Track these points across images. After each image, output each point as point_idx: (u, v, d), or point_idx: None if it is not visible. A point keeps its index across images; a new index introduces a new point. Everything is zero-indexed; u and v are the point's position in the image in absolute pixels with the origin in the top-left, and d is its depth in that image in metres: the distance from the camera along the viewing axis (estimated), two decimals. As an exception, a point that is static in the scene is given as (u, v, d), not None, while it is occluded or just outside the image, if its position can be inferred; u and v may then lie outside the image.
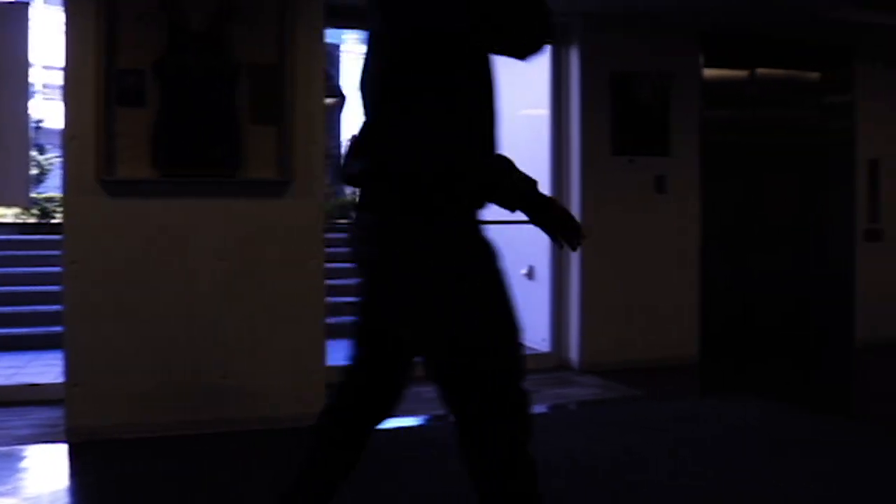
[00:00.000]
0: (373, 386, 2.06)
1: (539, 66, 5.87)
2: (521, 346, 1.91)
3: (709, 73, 6.12)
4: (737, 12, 5.65)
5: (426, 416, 4.40)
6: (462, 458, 1.84)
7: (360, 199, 1.95)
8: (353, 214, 2.01)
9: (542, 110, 5.90)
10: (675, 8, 5.54)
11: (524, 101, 6.43)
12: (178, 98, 3.98)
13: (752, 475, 3.30)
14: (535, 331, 5.94)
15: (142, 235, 3.99)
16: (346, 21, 5.32)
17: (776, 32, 6.18)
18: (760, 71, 6.49)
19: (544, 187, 5.79)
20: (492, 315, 1.84)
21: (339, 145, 17.24)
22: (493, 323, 1.84)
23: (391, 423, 4.14)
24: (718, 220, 6.17)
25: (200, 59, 4.02)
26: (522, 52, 1.85)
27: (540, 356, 5.77)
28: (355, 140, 1.96)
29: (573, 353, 5.66)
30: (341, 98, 18.06)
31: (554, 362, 5.71)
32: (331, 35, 15.51)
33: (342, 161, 1.99)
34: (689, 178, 5.91)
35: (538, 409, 4.55)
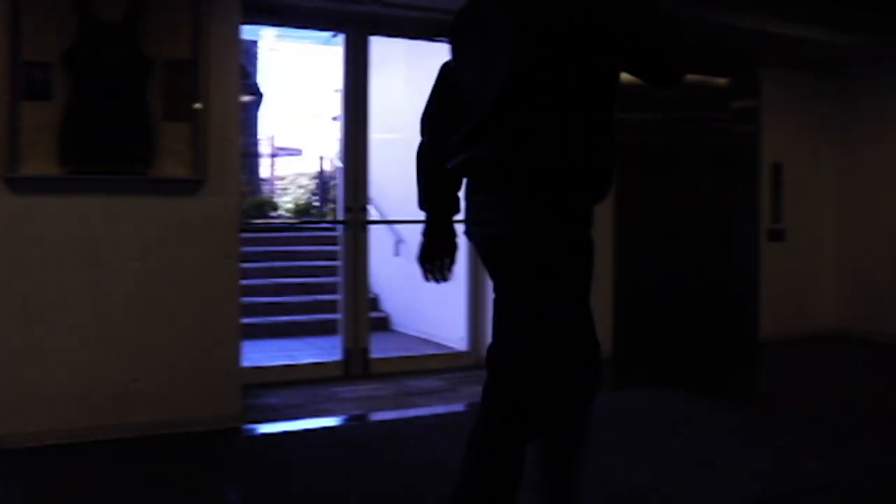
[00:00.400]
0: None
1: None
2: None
3: (623, 75, 6.25)
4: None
5: (343, 417, 4.40)
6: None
7: (481, 184, 2.10)
8: (474, 198, 2.15)
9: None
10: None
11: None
12: (87, 92, 3.85)
13: (645, 464, 3.40)
14: (453, 329, 6.00)
15: (48, 235, 3.85)
16: (264, 17, 5.27)
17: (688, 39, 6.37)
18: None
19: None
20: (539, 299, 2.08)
21: (256, 143, 16.97)
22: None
23: (303, 425, 4.16)
24: (631, 220, 6.33)
25: (112, 51, 3.90)
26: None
27: (457, 355, 5.83)
28: (471, 129, 2.07)
29: (490, 352, 5.71)
30: (259, 95, 17.80)
31: (471, 361, 5.75)
32: (248, 31, 15.28)
33: (457, 148, 2.13)
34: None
35: (455, 407, 4.60)
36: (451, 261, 2.44)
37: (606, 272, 6.04)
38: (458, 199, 2.34)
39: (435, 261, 2.44)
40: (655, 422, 4.19)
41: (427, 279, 2.45)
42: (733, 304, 6.99)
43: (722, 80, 6.90)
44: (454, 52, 2.32)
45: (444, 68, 2.39)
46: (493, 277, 2.18)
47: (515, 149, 1.97)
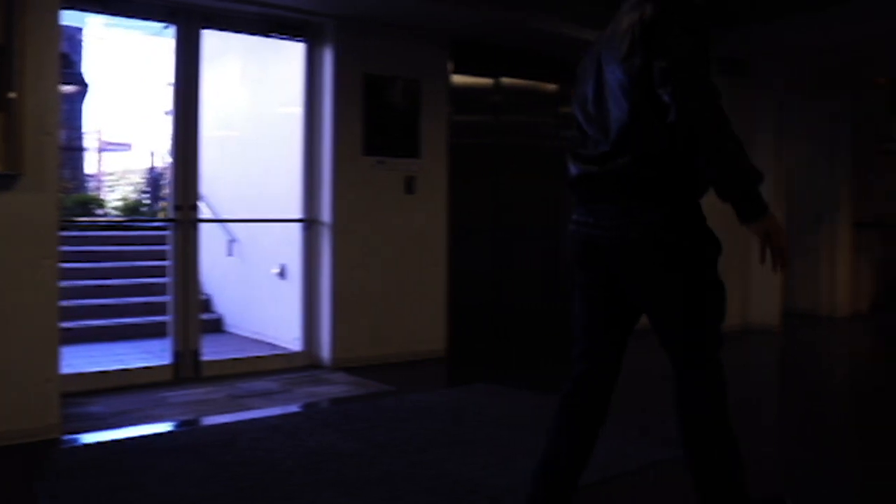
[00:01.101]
0: (600, 350, 2.59)
1: (293, 65, 5.87)
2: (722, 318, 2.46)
3: (458, 79, 6.41)
4: (480, 27, 5.98)
5: (173, 422, 4.26)
6: (677, 388, 2.46)
7: (600, 190, 2.38)
8: (589, 204, 2.43)
9: (295, 108, 5.88)
10: (423, 17, 5.76)
11: (278, 99, 6.38)
12: None
13: (476, 458, 3.52)
14: (287, 330, 5.93)
15: None
16: (86, 4, 5.00)
17: (520, 46, 6.61)
18: (505, 80, 6.90)
19: (296, 184, 5.82)
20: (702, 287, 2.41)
21: (81, 137, 16.04)
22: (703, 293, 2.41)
23: (130, 433, 3.99)
24: (465, 219, 6.49)
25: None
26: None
27: (291, 355, 5.77)
28: (606, 148, 2.35)
29: (325, 352, 5.71)
30: (84, 86, 16.83)
31: (306, 361, 5.72)
32: (72, 17, 14.40)
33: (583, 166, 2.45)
34: (438, 178, 6.16)
35: (290, 408, 4.56)
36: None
37: (440, 269, 6.18)
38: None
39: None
40: (488, 416, 4.32)
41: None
42: (563, 299, 7.29)
43: (552, 87, 7.20)
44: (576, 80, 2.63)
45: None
46: (630, 281, 2.41)
47: (649, 167, 2.27)
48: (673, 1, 2.22)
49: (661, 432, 3.98)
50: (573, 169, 2.51)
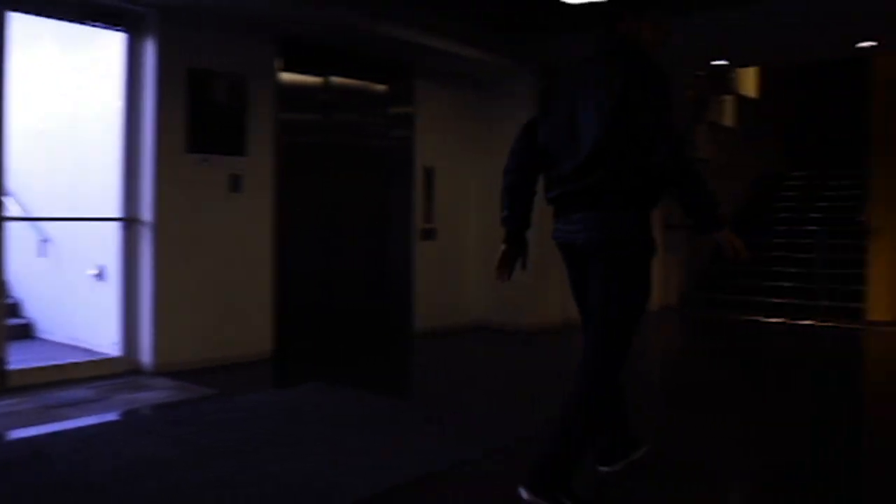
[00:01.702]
0: None
1: (113, 56, 5.60)
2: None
3: (286, 77, 6.34)
4: (307, 24, 5.94)
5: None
6: (582, 363, 2.98)
7: (574, 203, 3.03)
8: (566, 215, 3.10)
9: (115, 101, 5.61)
10: (249, 12, 5.66)
11: (97, 91, 6.06)
12: None
13: (305, 458, 3.52)
14: (105, 334, 5.66)
15: None
16: None
17: (349, 45, 6.62)
18: (335, 79, 6.89)
19: (115, 181, 5.56)
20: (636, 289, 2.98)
21: None
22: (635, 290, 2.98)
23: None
24: (293, 219, 6.43)
25: None
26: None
27: (109, 361, 5.51)
28: (573, 165, 2.99)
29: (146, 356, 5.49)
30: None
31: (125, 366, 5.48)
32: None
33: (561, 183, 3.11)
34: (264, 177, 6.07)
35: (107, 417, 4.37)
36: (523, 263, 3.46)
37: (266, 270, 6.09)
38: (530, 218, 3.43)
39: (512, 263, 3.43)
40: (314, 416, 4.32)
41: (501, 279, 3.38)
42: (390, 299, 7.38)
43: (382, 87, 7.26)
44: (542, 109, 3.24)
45: (528, 124, 3.34)
46: (590, 281, 3.03)
47: (616, 181, 2.89)
48: (645, 62, 2.88)
49: (478, 432, 4.13)
50: (551, 192, 3.19)
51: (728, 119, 11.68)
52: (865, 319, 8.81)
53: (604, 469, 3.38)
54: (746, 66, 10.27)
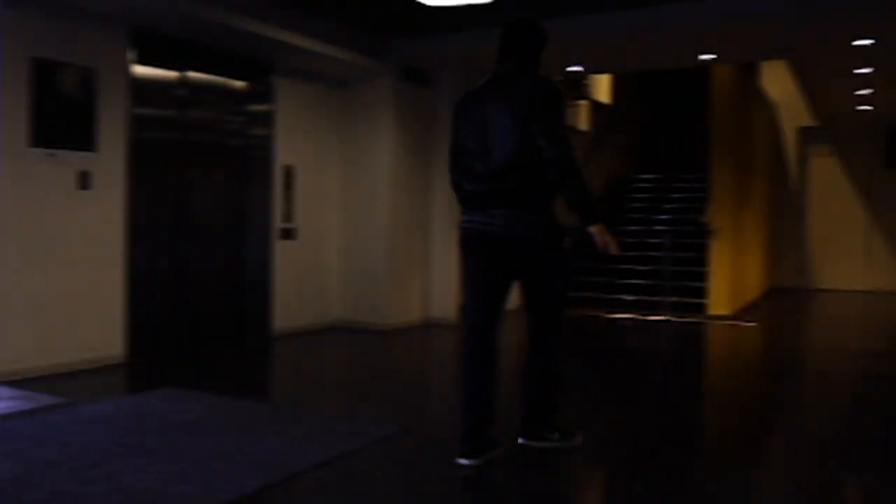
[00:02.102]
0: (492, 308, 3.69)
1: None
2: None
3: (140, 70, 6.11)
4: (161, 16, 5.74)
5: None
6: (533, 337, 3.80)
7: (494, 200, 3.55)
8: (486, 210, 3.58)
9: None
10: (98, 1, 5.42)
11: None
12: None
13: (156, 468, 3.42)
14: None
15: None
16: None
17: (207, 40, 6.44)
18: (192, 74, 6.69)
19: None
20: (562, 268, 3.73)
21: None
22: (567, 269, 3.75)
23: None
24: (147, 218, 6.22)
25: None
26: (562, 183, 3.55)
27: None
28: (490, 168, 3.55)
29: (-15, 362, 5.17)
30: None
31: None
32: None
33: (478, 182, 3.62)
34: (116, 174, 5.83)
35: (-61, 428, 4.08)
36: None
37: (118, 270, 5.86)
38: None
39: None
40: (169, 423, 4.20)
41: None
42: (248, 299, 7.25)
43: (241, 84, 7.11)
44: (459, 108, 3.78)
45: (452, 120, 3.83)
46: (518, 271, 3.68)
47: (532, 182, 3.52)
48: (547, 87, 3.55)
49: (336, 433, 4.13)
50: (468, 186, 3.66)
51: (583, 123, 12.13)
52: (707, 314, 9.39)
53: (522, 441, 3.89)
54: (600, 72, 10.69)
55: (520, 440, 3.88)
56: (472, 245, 3.66)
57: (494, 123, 3.55)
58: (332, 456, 3.68)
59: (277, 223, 7.29)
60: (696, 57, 7.97)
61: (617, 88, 13.39)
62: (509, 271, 3.67)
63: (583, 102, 12.11)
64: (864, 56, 8.07)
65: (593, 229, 3.51)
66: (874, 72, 8.96)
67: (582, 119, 12.16)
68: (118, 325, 5.86)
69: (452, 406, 5.10)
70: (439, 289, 8.41)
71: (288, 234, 7.40)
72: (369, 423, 4.28)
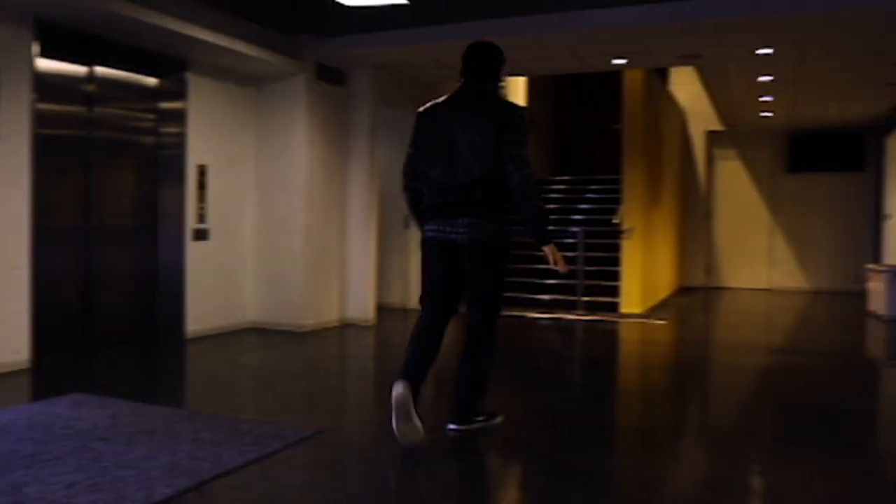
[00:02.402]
0: (449, 301, 4.10)
1: None
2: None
3: (44, 64, 5.91)
4: (65, 9, 5.57)
5: None
6: (472, 328, 4.06)
7: (455, 210, 3.95)
8: (446, 219, 3.98)
9: None
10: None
11: None
12: None
13: (61, 477, 3.33)
14: None
15: None
16: None
17: (116, 35, 6.26)
18: (100, 70, 6.49)
19: None
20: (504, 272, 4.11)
21: None
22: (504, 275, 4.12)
23: None
24: (54, 218, 6.02)
25: None
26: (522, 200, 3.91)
27: None
28: (453, 181, 3.93)
29: None
30: None
31: None
32: None
33: (451, 193, 3.97)
34: (19, 173, 5.62)
35: None
36: None
37: (21, 273, 5.65)
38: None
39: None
40: (77, 430, 4.07)
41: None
42: (160, 302, 7.09)
43: (153, 81, 6.95)
44: (421, 122, 4.11)
45: (413, 131, 4.15)
46: (466, 271, 4.03)
47: (491, 195, 3.91)
48: (511, 111, 3.94)
49: (248, 438, 4.09)
50: (430, 197, 4.04)
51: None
52: (620, 313, 9.62)
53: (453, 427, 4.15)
54: (515, 75, 10.82)
55: (450, 426, 4.13)
56: (435, 251, 4.08)
57: (463, 141, 3.91)
58: (248, 460, 3.64)
59: (190, 223, 7.15)
60: (610, 61, 8.16)
61: (532, 91, 13.58)
62: (462, 271, 4.05)
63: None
64: (765, 64, 8.41)
65: (546, 249, 3.95)
66: (774, 80, 9.34)
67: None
68: (23, 330, 5.65)
69: (369, 407, 5.10)
70: (356, 289, 8.38)
71: (201, 234, 7.26)
72: (285, 426, 4.24)
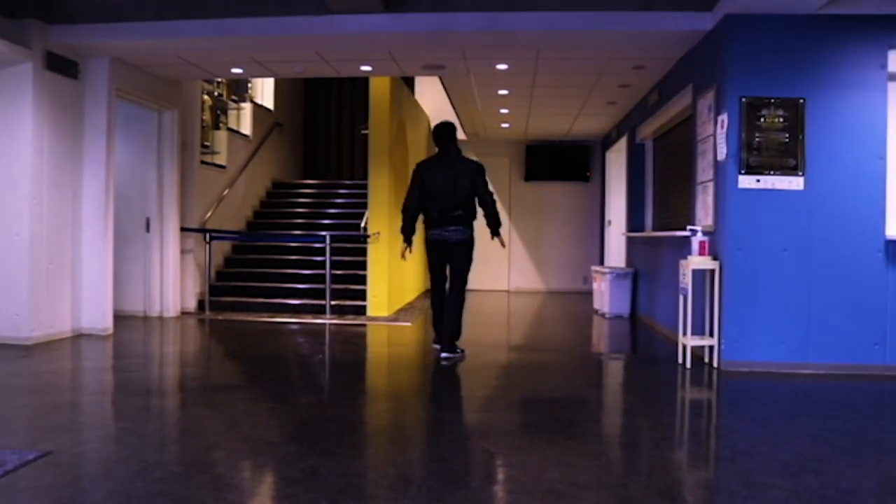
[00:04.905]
0: (444, 277, 7.03)
1: None
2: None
3: None
4: None
5: None
6: (452, 288, 6.92)
7: (450, 221, 6.81)
8: (444, 227, 6.84)
9: None
10: None
11: None
12: None
13: None
14: None
15: None
16: None
17: None
18: None
19: None
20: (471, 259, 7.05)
21: None
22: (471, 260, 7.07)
23: None
24: None
25: None
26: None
27: None
28: (450, 205, 6.79)
29: None
30: None
31: None
32: None
33: (441, 213, 6.84)
34: None
35: None
36: (410, 251, 7.14)
37: None
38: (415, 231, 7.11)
39: (407, 250, 7.04)
40: None
41: (403, 257, 7.09)
42: None
43: None
44: (427, 171, 6.82)
45: (417, 176, 6.87)
46: (451, 257, 6.85)
47: (469, 213, 6.84)
48: (478, 166, 6.81)
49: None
50: (435, 214, 6.76)
51: (245, 127, 11.99)
52: (368, 315, 9.75)
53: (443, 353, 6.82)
54: (261, 76, 10.62)
55: (443, 355, 6.73)
56: (435, 247, 6.87)
57: (457, 181, 6.69)
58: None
59: None
60: (358, 67, 8.26)
61: (281, 94, 13.43)
62: (448, 259, 6.87)
63: (245, 106, 11.98)
64: (503, 79, 8.91)
65: (498, 238, 6.98)
66: (511, 94, 9.93)
67: (245, 123, 12.02)
68: None
69: (106, 423, 4.77)
70: (91, 297, 7.83)
71: None
72: (4, 451, 3.86)
